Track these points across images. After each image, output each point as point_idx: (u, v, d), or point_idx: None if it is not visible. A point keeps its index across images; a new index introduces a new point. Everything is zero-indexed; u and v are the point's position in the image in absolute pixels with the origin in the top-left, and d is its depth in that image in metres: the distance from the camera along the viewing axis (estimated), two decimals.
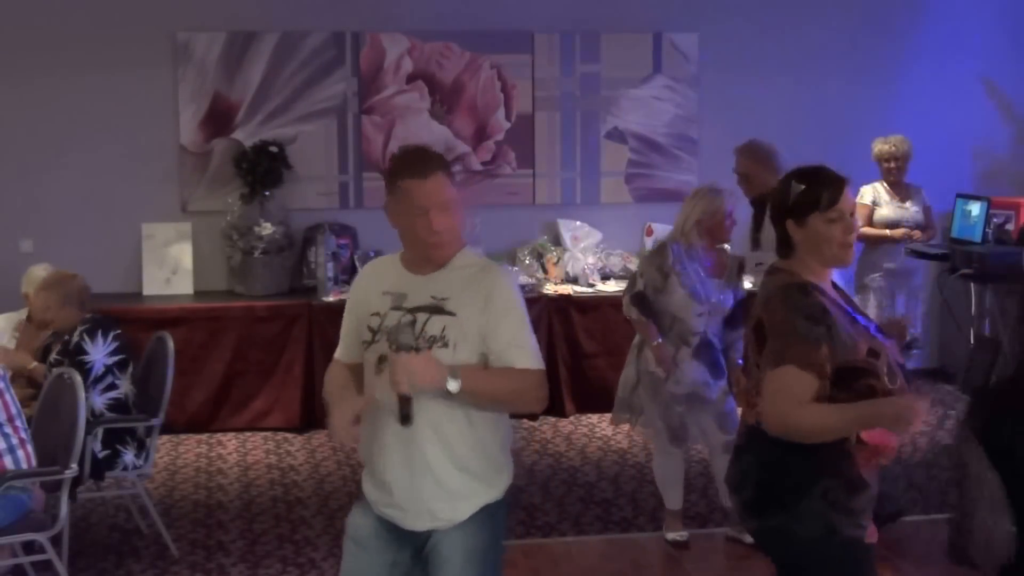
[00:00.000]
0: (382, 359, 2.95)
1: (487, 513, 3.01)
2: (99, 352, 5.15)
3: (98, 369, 5.13)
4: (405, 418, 2.84)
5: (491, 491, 3.02)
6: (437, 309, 2.94)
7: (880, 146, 7.24)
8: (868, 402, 2.85)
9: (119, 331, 5.29)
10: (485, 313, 2.91)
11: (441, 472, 2.95)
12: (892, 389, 2.86)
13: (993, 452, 2.28)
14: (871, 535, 2.98)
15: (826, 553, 2.92)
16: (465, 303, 2.93)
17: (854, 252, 3.04)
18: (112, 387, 5.18)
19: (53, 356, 5.22)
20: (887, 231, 7.12)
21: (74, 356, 5.09)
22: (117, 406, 5.20)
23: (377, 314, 3.02)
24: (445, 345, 2.91)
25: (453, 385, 2.80)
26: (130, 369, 5.29)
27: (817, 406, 2.83)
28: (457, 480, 2.96)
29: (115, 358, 5.21)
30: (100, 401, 5.13)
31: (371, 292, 3.09)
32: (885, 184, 7.25)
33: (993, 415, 2.26)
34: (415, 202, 2.95)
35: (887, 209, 7.20)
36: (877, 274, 7.13)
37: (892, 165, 7.19)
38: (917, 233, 7.17)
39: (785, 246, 3.04)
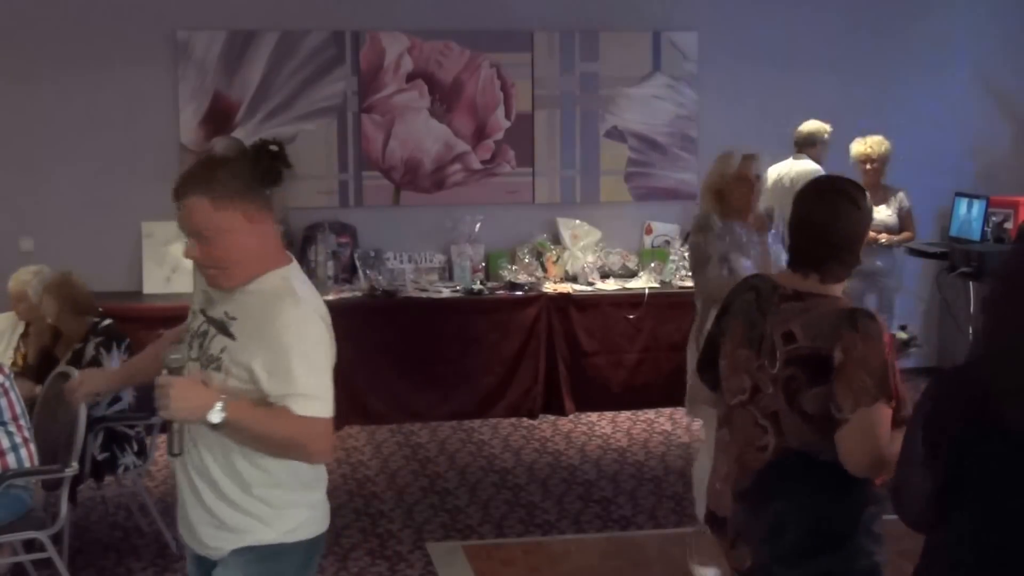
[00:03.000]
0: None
1: (259, 555, 2.71)
2: (115, 365, 5.14)
3: None
4: (171, 447, 2.60)
5: (267, 531, 2.70)
6: (223, 328, 2.68)
7: (857, 147, 7.22)
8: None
9: (127, 340, 5.31)
10: (265, 350, 2.59)
11: (207, 497, 2.71)
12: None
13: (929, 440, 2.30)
14: None
15: None
16: (247, 331, 2.64)
17: None
18: (117, 399, 5.21)
19: (64, 367, 5.17)
20: None
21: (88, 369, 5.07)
22: (122, 415, 5.23)
23: (193, 312, 2.84)
24: (218, 369, 2.66)
25: (215, 416, 2.52)
26: None
27: (895, 435, 2.66)
28: (223, 509, 2.70)
29: None
30: (107, 413, 5.15)
31: (198, 286, 2.85)
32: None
33: (937, 404, 2.30)
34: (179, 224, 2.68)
35: None
36: None
37: (869, 167, 7.17)
38: (884, 236, 7.11)
39: (834, 272, 2.85)
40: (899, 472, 2.37)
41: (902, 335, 3.77)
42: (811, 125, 7.31)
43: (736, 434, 2.91)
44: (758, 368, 2.82)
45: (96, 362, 5.12)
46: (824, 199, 2.87)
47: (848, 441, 2.66)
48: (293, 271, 2.77)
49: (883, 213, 7.22)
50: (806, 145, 7.27)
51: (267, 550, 2.71)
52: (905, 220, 7.28)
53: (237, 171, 2.71)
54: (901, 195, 7.28)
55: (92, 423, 4.96)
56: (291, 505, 2.74)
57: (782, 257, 4.41)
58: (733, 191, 4.65)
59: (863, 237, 2.88)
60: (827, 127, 7.31)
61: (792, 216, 2.93)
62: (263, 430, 2.60)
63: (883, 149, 7.18)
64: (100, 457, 5.13)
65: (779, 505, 2.80)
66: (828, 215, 2.84)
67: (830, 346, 2.68)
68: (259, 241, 2.71)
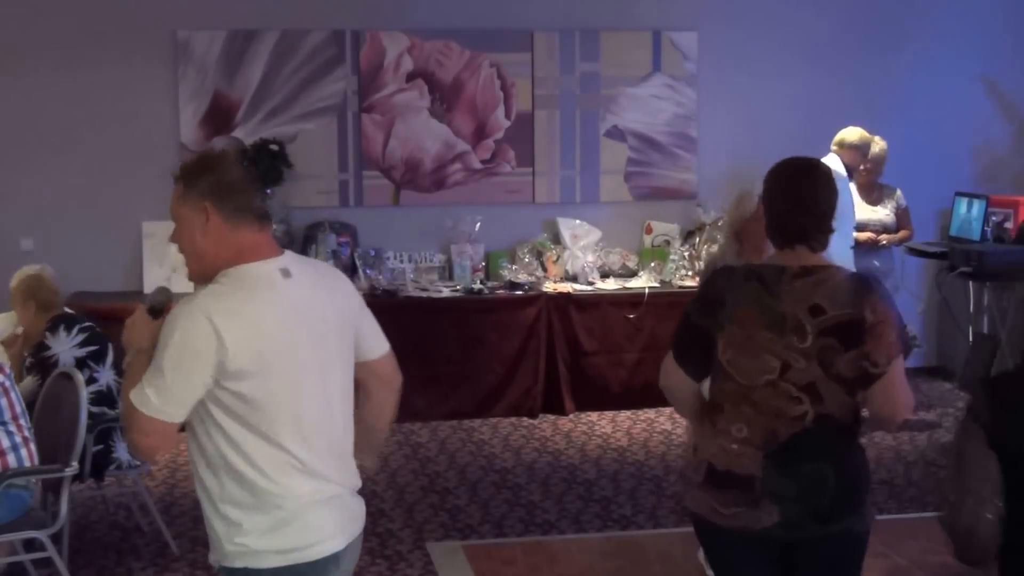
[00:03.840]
0: None
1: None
2: (64, 345, 5.10)
3: (67, 362, 5.04)
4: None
5: (221, 552, 2.65)
6: None
7: None
8: None
9: (88, 324, 5.25)
10: None
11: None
12: None
13: (1000, 446, 2.37)
14: None
15: (865, 543, 3.08)
16: None
17: None
18: (92, 380, 5.12)
19: (27, 362, 5.19)
20: (853, 233, 6.99)
21: (37, 354, 5.07)
22: (100, 398, 5.15)
23: None
24: None
25: (128, 356, 2.70)
26: (110, 359, 5.23)
27: None
28: (205, 517, 2.70)
29: (87, 349, 5.16)
30: (102, 412, 5.12)
31: None
32: (855, 186, 7.18)
33: (999, 409, 2.36)
34: None
35: (856, 211, 7.08)
36: None
37: (863, 167, 7.16)
38: (884, 237, 7.11)
39: (820, 241, 3.06)
40: (953, 507, 2.42)
41: None
42: (848, 131, 7.12)
43: (763, 409, 2.95)
44: (785, 346, 2.91)
45: (42, 346, 5.11)
46: (798, 180, 3.07)
47: (890, 389, 2.92)
48: (242, 271, 2.65)
49: (881, 212, 7.21)
50: (839, 147, 7.09)
51: (231, 573, 2.65)
52: (902, 218, 7.27)
53: (216, 170, 2.67)
54: (899, 194, 7.28)
55: (92, 424, 4.97)
56: (241, 525, 2.61)
57: None
58: (750, 231, 4.68)
59: (836, 205, 3.07)
60: (863, 134, 7.04)
61: (769, 199, 3.10)
62: (124, 391, 2.64)
63: (878, 149, 7.18)
64: (94, 449, 5.10)
65: (817, 465, 2.94)
66: (807, 193, 3.04)
67: (858, 310, 2.88)
68: (214, 243, 2.67)
